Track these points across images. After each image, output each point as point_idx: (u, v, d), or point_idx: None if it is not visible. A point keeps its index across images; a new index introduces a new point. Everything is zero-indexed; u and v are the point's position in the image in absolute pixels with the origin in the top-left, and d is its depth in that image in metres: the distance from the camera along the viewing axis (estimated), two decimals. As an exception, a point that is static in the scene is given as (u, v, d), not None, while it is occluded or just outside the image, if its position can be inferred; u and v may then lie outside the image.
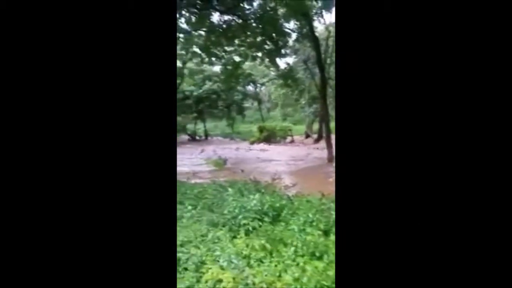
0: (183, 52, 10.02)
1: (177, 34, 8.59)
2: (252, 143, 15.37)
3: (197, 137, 19.94)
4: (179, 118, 18.42)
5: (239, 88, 18.15)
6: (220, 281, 2.02)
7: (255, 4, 7.51)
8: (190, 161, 9.46)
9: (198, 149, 13.42)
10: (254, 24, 7.87)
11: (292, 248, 2.30)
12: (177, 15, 7.58)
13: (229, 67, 10.44)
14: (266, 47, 8.54)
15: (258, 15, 7.38)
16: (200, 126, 21.05)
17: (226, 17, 7.95)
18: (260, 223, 2.82)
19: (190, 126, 20.56)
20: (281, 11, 7.92)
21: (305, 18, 8.02)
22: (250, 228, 2.78)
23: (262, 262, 2.26)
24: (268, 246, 2.44)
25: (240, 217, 2.97)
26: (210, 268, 2.16)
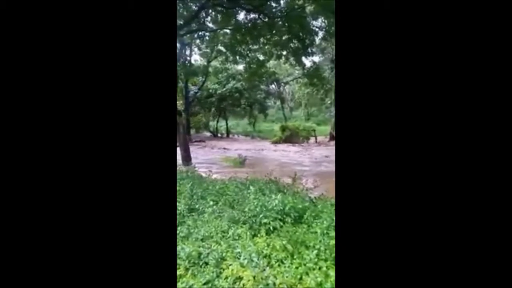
0: (208, 50, 10.19)
1: (203, 32, 8.76)
2: (273, 142, 15.29)
3: (219, 135, 20.26)
4: (200, 116, 18.82)
5: (262, 86, 18.16)
6: (240, 278, 2.01)
7: (282, 2, 7.43)
8: (209, 158, 9.61)
9: (218, 145, 13.62)
10: (280, 23, 7.78)
11: (315, 252, 2.23)
12: (204, 14, 7.72)
13: (253, 66, 10.46)
14: (292, 45, 8.42)
15: (284, 13, 7.29)
16: (222, 124, 21.36)
17: (252, 16, 7.95)
18: (282, 224, 2.77)
19: (212, 124, 20.96)
20: (308, 8, 7.76)
21: (334, 16, 7.79)
22: (271, 228, 2.74)
23: (283, 263, 2.22)
24: (289, 247, 2.39)
25: (261, 216, 2.94)
26: (231, 265, 2.15)
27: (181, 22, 7.58)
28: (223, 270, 2.12)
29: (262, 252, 2.33)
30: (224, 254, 2.29)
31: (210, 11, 7.59)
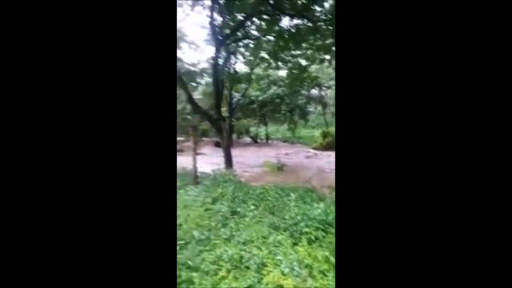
0: (251, 58, 10.47)
1: (247, 40, 9.03)
2: (314, 148, 14.88)
3: (258, 140, 20.51)
4: (244, 121, 19.29)
5: (303, 92, 17.88)
6: (281, 286, 1.98)
7: (326, 5, 7.27)
8: (249, 162, 9.76)
9: (259, 151, 13.76)
10: (324, 26, 7.61)
11: (361, 267, 2.08)
12: (248, 23, 7.98)
13: (294, 71, 10.39)
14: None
15: (329, 17, 7.11)
16: (261, 130, 21.60)
17: (295, 21, 7.94)
18: (324, 234, 2.67)
19: (252, 129, 21.33)
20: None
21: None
22: (313, 238, 2.66)
23: (325, 275, 2.13)
24: (332, 259, 2.28)
25: (302, 224, 2.88)
26: (271, 271, 2.14)
27: (228, 32, 7.96)
28: (264, 276, 2.12)
29: (303, 261, 2.27)
30: (265, 260, 2.29)
31: (255, 19, 7.81)
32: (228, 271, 2.18)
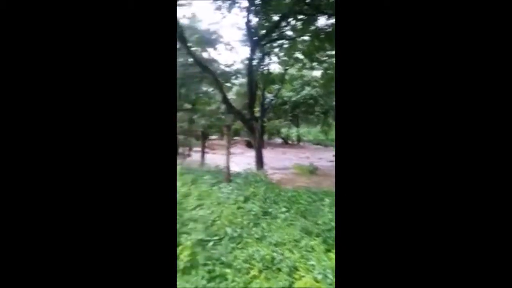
0: (286, 58, 10.39)
1: (282, 41, 8.99)
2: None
3: (289, 142, 20.29)
4: (275, 122, 19.24)
5: (338, 93, 17.17)
6: (314, 293, 1.94)
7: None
8: (280, 164, 9.69)
9: (290, 153, 13.61)
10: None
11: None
12: (283, 23, 7.94)
13: (329, 72, 10.06)
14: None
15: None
16: (293, 131, 21.33)
17: (331, 20, 7.69)
18: (360, 242, 2.54)
19: (283, 130, 21.15)
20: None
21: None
22: (348, 245, 2.54)
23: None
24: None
25: (336, 230, 2.77)
26: (304, 276, 2.10)
27: (263, 32, 8.01)
28: (296, 280, 2.09)
29: (338, 269, 2.18)
30: (297, 264, 2.26)
31: (290, 19, 7.75)
32: (260, 271, 2.19)
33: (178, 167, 3.11)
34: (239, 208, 3.62)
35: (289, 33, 8.49)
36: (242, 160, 9.37)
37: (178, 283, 1.96)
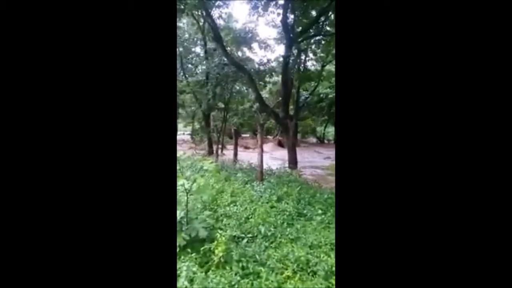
0: (323, 55, 10.04)
1: (320, 37, 8.68)
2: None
3: (325, 141, 19.64)
4: (309, 121, 18.75)
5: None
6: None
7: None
8: (315, 164, 9.41)
9: (325, 152, 13.16)
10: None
11: None
12: (322, 18, 7.65)
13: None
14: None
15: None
16: (329, 130, 20.59)
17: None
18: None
19: (319, 129, 20.54)
20: None
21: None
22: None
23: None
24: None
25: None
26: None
27: (300, 29, 7.83)
28: (333, 285, 1.98)
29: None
30: (333, 268, 2.14)
31: (329, 14, 7.45)
32: (294, 272, 2.12)
33: (213, 164, 3.17)
34: (272, 207, 3.58)
35: (328, 28, 8.17)
36: (275, 158, 9.32)
37: (212, 277, 1.99)
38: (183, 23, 10.36)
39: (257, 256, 2.29)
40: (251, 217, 3.19)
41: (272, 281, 2.01)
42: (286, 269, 2.15)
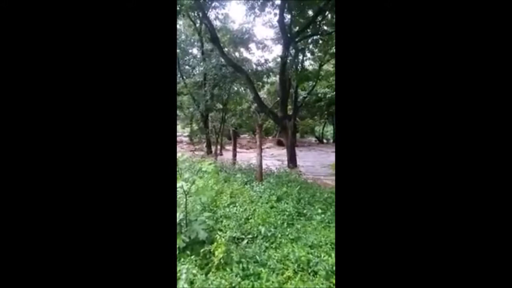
0: (321, 54, 10.03)
1: (317, 36, 8.68)
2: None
3: (324, 141, 19.66)
4: (309, 121, 18.76)
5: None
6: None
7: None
8: (314, 163, 9.41)
9: (324, 152, 13.17)
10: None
11: None
12: (319, 18, 7.65)
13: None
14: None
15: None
16: (327, 129, 20.62)
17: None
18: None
19: (317, 129, 20.56)
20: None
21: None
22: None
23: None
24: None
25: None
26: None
27: (297, 29, 7.82)
28: (333, 285, 1.97)
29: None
30: (334, 268, 2.13)
31: (326, 13, 7.44)
32: (295, 272, 2.11)
33: (212, 166, 3.16)
34: (272, 207, 3.57)
35: (325, 28, 8.16)
36: (274, 158, 9.31)
37: (212, 279, 1.97)
38: (179, 24, 10.34)
39: (257, 257, 2.28)
40: (251, 218, 3.17)
41: (273, 282, 1.99)
42: (287, 270, 2.14)
